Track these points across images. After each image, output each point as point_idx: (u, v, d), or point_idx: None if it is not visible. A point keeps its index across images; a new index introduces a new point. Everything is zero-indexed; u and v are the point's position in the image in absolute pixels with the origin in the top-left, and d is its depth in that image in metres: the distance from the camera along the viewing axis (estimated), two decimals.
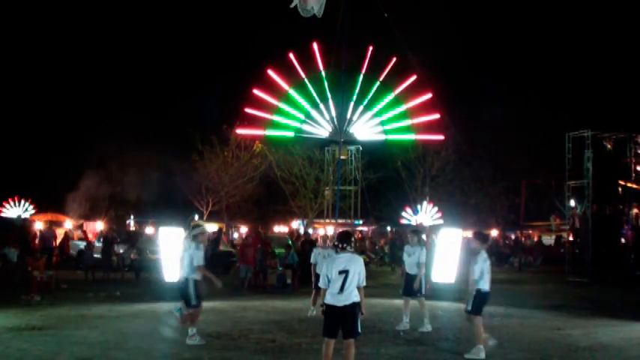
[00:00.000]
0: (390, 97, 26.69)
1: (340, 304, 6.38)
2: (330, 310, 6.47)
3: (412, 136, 26.72)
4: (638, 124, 23.26)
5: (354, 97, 26.76)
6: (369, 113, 27.06)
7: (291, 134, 26.47)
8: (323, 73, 26.33)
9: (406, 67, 26.57)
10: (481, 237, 8.39)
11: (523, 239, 33.30)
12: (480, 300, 7.92)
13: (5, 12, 47.09)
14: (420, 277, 9.82)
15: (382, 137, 27.07)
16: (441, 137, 27.18)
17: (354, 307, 6.43)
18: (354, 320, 6.46)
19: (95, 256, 19.51)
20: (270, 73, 26.06)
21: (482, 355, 7.74)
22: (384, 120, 26.85)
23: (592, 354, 8.09)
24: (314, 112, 26.77)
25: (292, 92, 26.37)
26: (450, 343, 8.71)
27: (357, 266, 6.46)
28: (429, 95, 25.72)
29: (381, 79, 26.81)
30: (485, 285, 7.99)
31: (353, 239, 7.48)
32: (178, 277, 8.70)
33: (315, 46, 25.90)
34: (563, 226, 27.19)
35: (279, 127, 26.40)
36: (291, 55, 26.05)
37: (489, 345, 7.93)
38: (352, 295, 6.41)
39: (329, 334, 6.50)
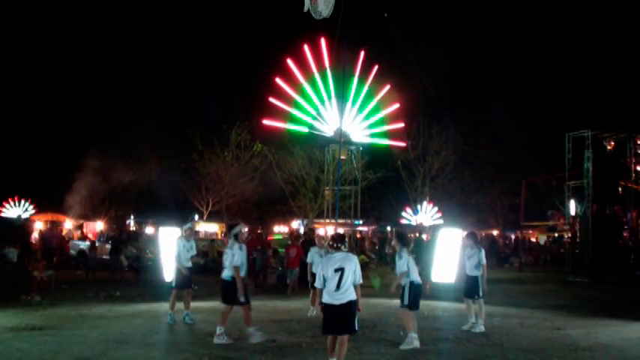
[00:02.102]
0: (373, 102, 28.08)
1: (338, 302, 6.45)
2: (328, 309, 6.52)
3: (385, 141, 28.98)
4: (638, 124, 23.27)
5: (350, 99, 27.42)
6: (360, 116, 28.04)
7: (305, 130, 26.99)
8: (328, 71, 26.68)
9: (403, 69, 26.90)
10: (402, 239, 8.85)
11: (534, 240, 33.34)
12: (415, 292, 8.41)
13: (5, 12, 47.10)
14: (484, 278, 9.79)
15: (369, 140, 28.69)
16: (402, 144, 29.98)
17: (352, 304, 6.51)
18: (352, 318, 6.53)
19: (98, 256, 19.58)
20: (289, 62, 26.47)
21: (417, 343, 8.18)
22: (371, 123, 28.33)
23: (592, 354, 8.08)
24: (321, 110, 27.31)
25: (306, 86, 26.75)
26: (450, 343, 8.70)
27: (352, 264, 6.54)
28: (396, 105, 28.03)
29: (369, 83, 27.91)
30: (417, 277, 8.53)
31: (347, 240, 7.65)
32: (222, 276, 8.62)
33: (322, 42, 26.27)
34: (564, 225, 27.25)
35: (295, 122, 26.92)
36: (306, 47, 26.40)
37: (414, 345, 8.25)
38: (349, 293, 6.48)
39: (329, 331, 6.60)
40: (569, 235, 23.33)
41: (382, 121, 28.59)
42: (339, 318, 6.49)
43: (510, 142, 33.35)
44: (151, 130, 34.05)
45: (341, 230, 31.66)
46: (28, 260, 16.17)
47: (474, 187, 35.54)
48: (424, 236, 23.86)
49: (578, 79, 39.51)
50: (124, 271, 18.52)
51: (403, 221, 37.15)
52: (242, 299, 8.39)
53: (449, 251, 12.76)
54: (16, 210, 35.82)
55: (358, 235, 31.06)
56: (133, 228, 35.41)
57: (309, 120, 26.92)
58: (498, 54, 48.57)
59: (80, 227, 31.60)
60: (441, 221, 32.87)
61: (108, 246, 21.56)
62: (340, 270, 6.46)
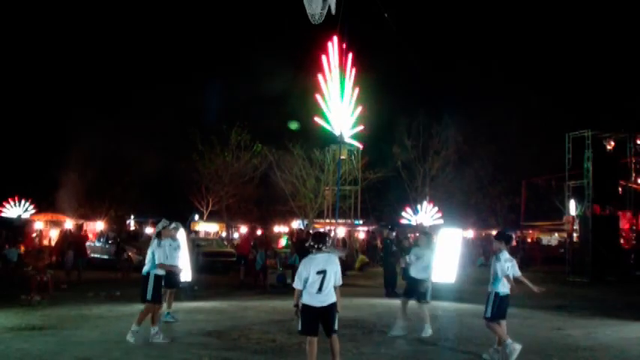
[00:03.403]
0: (352, 101, 28.98)
1: (319, 304, 6.35)
2: (308, 311, 6.40)
3: (353, 142, 29.98)
4: (638, 124, 23.27)
5: (344, 100, 27.99)
6: (348, 115, 28.83)
7: (329, 127, 27.61)
8: (336, 72, 27.05)
9: (404, 69, 27.17)
10: (504, 237, 7.97)
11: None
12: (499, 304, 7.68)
13: (5, 12, 47.11)
14: (430, 281, 9.53)
15: (351, 141, 29.80)
16: (360, 145, 30.92)
17: (333, 307, 6.43)
18: (334, 319, 6.48)
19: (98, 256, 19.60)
20: (323, 58, 26.97)
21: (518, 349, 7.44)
22: (353, 124, 29.33)
23: (592, 354, 8.08)
24: (332, 109, 27.97)
25: (331, 85, 27.27)
26: (451, 343, 8.70)
27: (333, 266, 6.42)
28: (359, 109, 29.29)
29: (352, 84, 28.62)
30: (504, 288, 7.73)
31: (329, 239, 7.35)
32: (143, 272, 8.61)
33: (335, 41, 26.68)
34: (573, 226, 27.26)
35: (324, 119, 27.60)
36: (329, 44, 26.78)
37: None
38: (331, 296, 6.40)
39: (310, 332, 6.48)
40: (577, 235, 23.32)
41: (357, 122, 29.53)
42: (321, 320, 6.41)
43: (510, 142, 33.37)
44: (151, 130, 34.11)
45: (341, 229, 31.77)
46: (28, 259, 16.13)
47: (474, 187, 35.56)
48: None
49: (578, 78, 39.55)
50: (125, 272, 18.49)
51: (403, 221, 37.16)
52: (148, 296, 8.32)
53: (449, 251, 12.73)
54: (16, 210, 35.78)
55: (357, 234, 31.11)
56: (132, 228, 35.38)
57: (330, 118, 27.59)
58: (499, 54, 48.58)
59: (80, 227, 31.54)
60: (441, 221, 32.89)
61: (108, 245, 21.67)
62: (322, 272, 6.32)
